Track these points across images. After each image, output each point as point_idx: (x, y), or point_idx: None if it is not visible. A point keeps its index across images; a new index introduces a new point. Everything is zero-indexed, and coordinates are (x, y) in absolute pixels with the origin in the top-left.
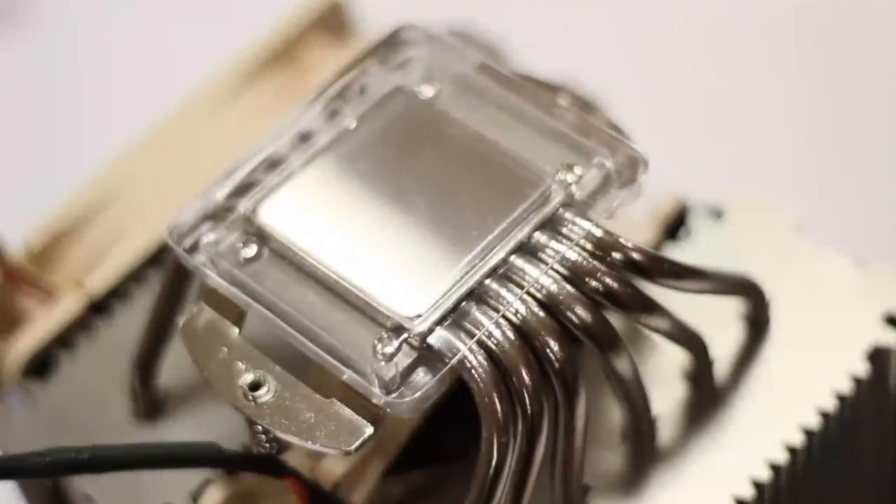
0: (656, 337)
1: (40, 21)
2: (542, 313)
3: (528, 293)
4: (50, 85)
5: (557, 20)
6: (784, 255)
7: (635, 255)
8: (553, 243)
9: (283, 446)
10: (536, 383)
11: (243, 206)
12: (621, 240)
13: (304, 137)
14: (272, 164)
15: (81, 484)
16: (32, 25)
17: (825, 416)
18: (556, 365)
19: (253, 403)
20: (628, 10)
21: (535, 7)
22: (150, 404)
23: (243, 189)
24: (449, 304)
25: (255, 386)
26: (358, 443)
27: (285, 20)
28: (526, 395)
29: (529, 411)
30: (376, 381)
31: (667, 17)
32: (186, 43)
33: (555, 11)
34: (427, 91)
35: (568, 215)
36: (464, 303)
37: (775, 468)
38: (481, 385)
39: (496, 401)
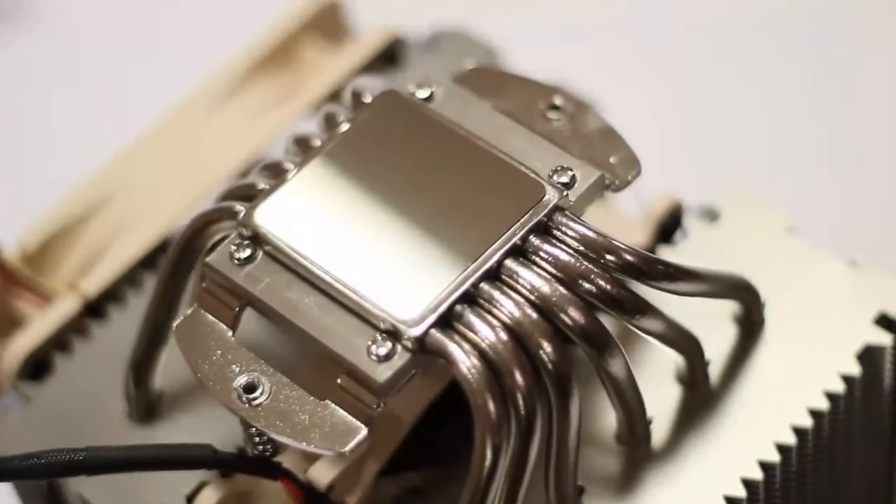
0: (650, 338)
1: (40, 21)
2: (535, 315)
3: (522, 296)
4: (48, 85)
5: (552, 22)
6: (778, 256)
7: (629, 257)
8: (547, 246)
9: (278, 448)
10: (530, 385)
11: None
12: (615, 242)
13: (299, 141)
14: (267, 167)
15: (77, 486)
16: (32, 25)
17: (817, 416)
18: (550, 366)
19: (247, 405)
20: (623, 11)
21: (529, 9)
22: (146, 406)
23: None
24: (443, 306)
25: (249, 388)
26: (352, 444)
27: (282, 21)
28: (519, 396)
29: (523, 412)
30: (370, 383)
31: (661, 18)
32: (184, 44)
33: (549, 13)
34: (421, 93)
35: (562, 218)
36: (458, 305)
37: (768, 468)
38: (475, 386)
39: (490, 402)
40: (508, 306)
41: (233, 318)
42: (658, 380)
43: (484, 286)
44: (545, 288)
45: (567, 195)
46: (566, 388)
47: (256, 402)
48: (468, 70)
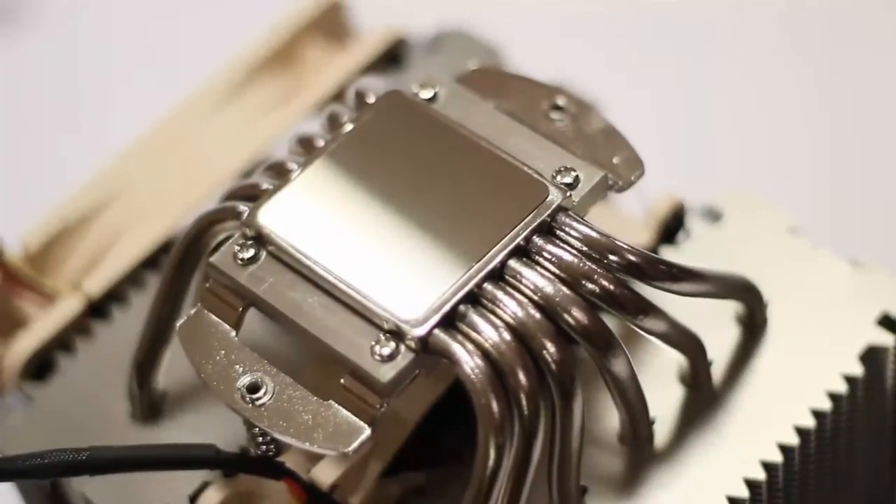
0: (653, 338)
1: (40, 21)
2: (538, 316)
3: (526, 296)
4: (50, 85)
5: (554, 21)
6: (780, 256)
7: (632, 258)
8: (550, 246)
9: (281, 448)
10: (533, 385)
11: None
12: (618, 242)
13: (303, 141)
14: (270, 167)
15: (80, 485)
16: (32, 25)
17: (820, 416)
18: (553, 367)
19: (251, 405)
20: (625, 11)
21: (532, 9)
22: (149, 406)
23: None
24: (447, 306)
25: (253, 388)
26: (356, 444)
27: (284, 21)
28: (522, 396)
29: (526, 413)
30: (374, 383)
31: (663, 18)
32: (185, 44)
33: (552, 13)
34: (424, 94)
35: (565, 218)
36: (461, 305)
37: (770, 468)
38: (478, 386)
39: (493, 402)
40: (512, 306)
41: (236, 318)
42: (661, 380)
43: (487, 286)
44: (548, 288)
45: (570, 196)
46: (569, 389)
47: (260, 402)
48: (471, 70)
